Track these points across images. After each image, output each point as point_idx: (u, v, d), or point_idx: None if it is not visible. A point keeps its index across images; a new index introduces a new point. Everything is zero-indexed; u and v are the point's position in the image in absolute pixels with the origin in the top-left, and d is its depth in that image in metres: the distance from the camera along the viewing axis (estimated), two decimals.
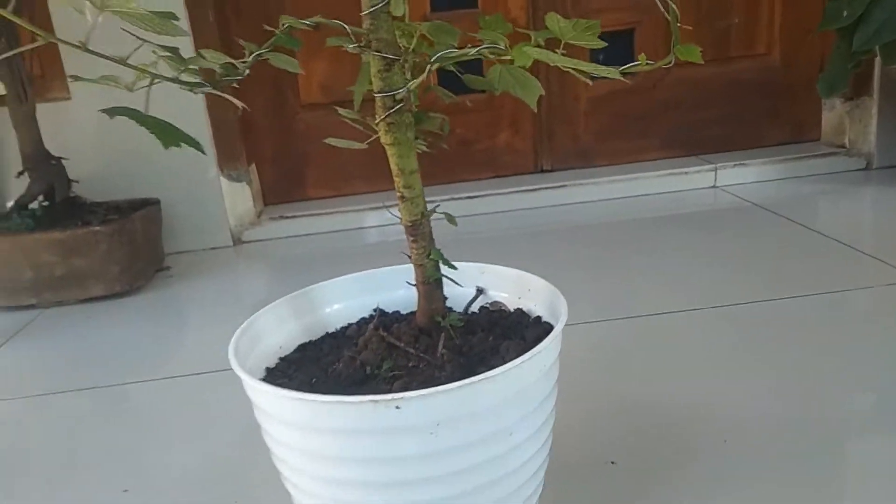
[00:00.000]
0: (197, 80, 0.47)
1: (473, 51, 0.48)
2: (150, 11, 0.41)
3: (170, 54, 0.47)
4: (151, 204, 1.52)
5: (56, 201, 1.43)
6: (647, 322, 1.09)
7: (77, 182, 1.47)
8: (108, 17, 0.42)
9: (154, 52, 0.47)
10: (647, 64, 0.42)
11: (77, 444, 0.92)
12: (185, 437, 0.90)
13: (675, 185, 1.82)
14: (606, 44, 0.52)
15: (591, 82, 0.41)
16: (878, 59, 1.72)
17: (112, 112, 0.41)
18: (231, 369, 0.54)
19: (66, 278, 1.38)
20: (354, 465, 0.49)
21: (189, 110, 1.58)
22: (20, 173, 1.44)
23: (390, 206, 0.61)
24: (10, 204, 1.53)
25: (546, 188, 1.82)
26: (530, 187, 1.82)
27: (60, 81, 1.63)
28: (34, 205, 1.44)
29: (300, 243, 1.72)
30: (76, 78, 0.43)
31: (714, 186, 1.82)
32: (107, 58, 0.46)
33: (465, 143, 1.89)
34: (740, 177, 1.81)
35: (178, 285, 1.50)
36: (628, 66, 0.42)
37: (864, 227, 1.45)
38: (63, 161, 1.45)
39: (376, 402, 0.47)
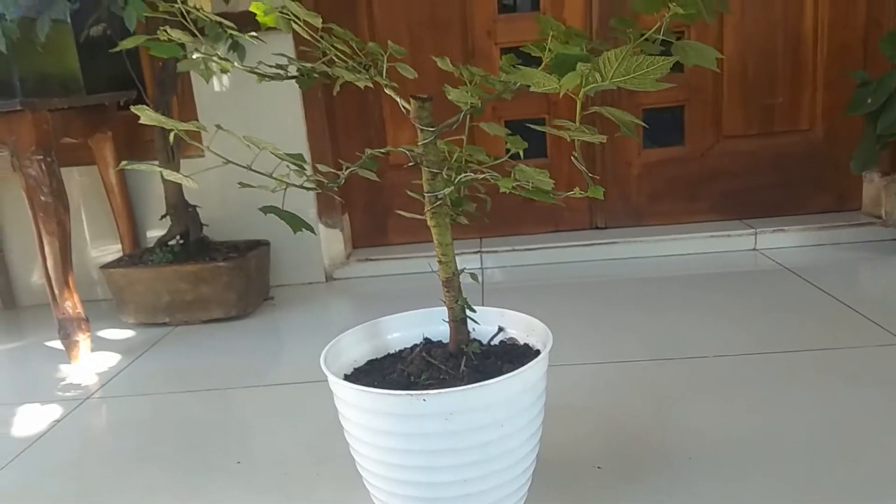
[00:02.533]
0: (312, 185, 0.76)
1: (482, 176, 0.74)
2: (287, 154, 0.70)
3: (297, 168, 0.76)
4: (263, 245, 1.86)
5: (190, 241, 1.78)
6: (657, 365, 1.30)
7: (207, 225, 1.83)
8: (234, 115, 0.71)
9: (288, 166, 0.76)
10: (580, 193, 0.67)
11: (200, 430, 1.23)
12: (282, 428, 1.19)
13: (718, 247, 2.01)
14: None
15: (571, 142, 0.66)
16: None
17: (266, 210, 0.70)
18: (318, 381, 0.81)
19: (195, 303, 1.72)
20: (396, 437, 0.76)
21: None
22: (163, 217, 1.81)
23: (435, 271, 0.86)
24: (151, 237, 1.91)
25: (599, 244, 2.05)
26: (584, 242, 2.06)
27: (197, 141, 2.01)
28: (173, 242, 1.80)
29: (382, 282, 2.02)
30: (243, 184, 0.72)
31: (754, 249, 2.00)
32: (252, 170, 0.75)
33: (528, 200, 2.14)
34: (778, 241, 1.99)
35: (279, 312, 1.82)
36: (565, 194, 0.68)
37: (878, 294, 1.61)
38: (197, 208, 1.81)
39: (411, 395, 0.73)
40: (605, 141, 0.59)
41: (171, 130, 0.70)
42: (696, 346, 1.36)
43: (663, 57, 0.52)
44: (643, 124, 0.65)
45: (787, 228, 2.00)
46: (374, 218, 2.19)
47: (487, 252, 2.04)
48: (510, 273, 1.99)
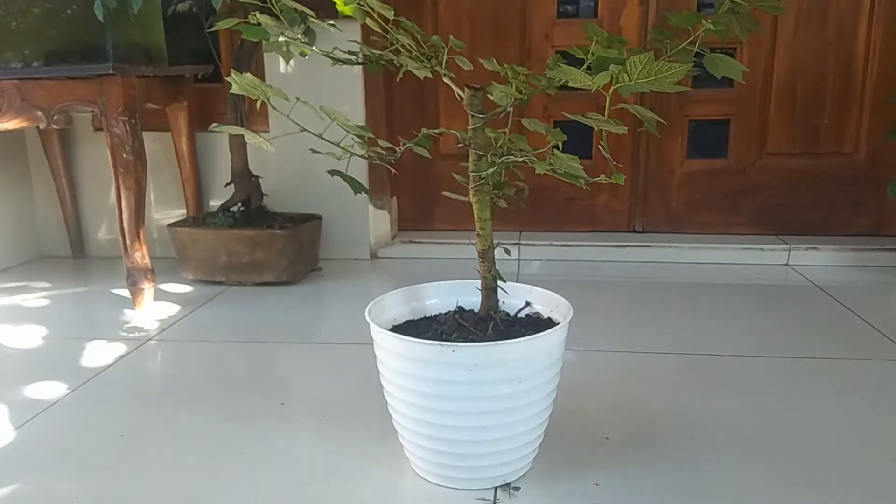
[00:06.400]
0: (373, 156, 0.87)
1: (521, 159, 0.84)
2: (357, 125, 0.81)
3: (360, 141, 0.87)
4: (316, 219, 1.99)
5: (251, 208, 1.92)
6: (675, 357, 1.38)
7: (267, 196, 1.96)
8: (299, 96, 0.82)
9: (353, 138, 0.87)
10: (604, 178, 0.76)
11: (247, 375, 1.35)
12: (322, 381, 1.31)
13: (751, 259, 2.06)
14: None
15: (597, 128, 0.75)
16: None
17: (332, 173, 0.81)
18: (358, 343, 0.92)
19: (249, 265, 1.86)
20: (426, 382, 0.86)
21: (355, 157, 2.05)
22: (228, 184, 1.95)
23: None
24: (212, 204, 2.06)
25: (635, 246, 2.12)
26: (621, 243, 2.13)
27: (263, 117, 2.14)
28: (234, 208, 1.94)
29: (423, 264, 2.13)
30: (314, 150, 0.83)
31: (787, 265, 2.05)
32: (324, 139, 0.86)
33: (570, 199, 2.23)
34: (811, 259, 2.03)
35: (326, 282, 1.95)
36: (592, 179, 0.77)
37: None
38: (259, 179, 1.95)
39: (442, 345, 0.83)
40: (626, 132, 0.68)
41: (244, 102, 0.82)
42: (716, 346, 1.44)
43: (679, 64, 0.61)
44: (662, 121, 0.73)
45: (820, 247, 2.04)
46: (420, 203, 2.30)
47: (526, 244, 2.13)
48: (546, 266, 2.08)
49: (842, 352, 1.40)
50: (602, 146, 0.71)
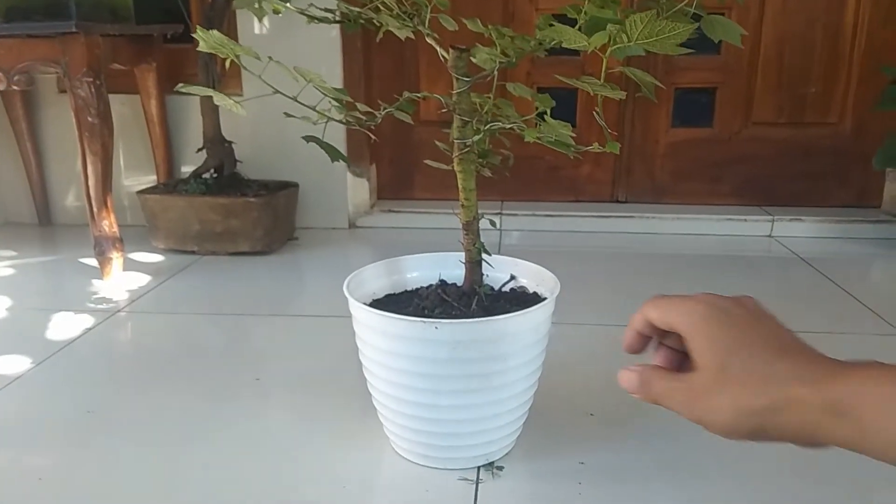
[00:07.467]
0: (351, 121, 0.81)
1: (509, 126, 0.79)
2: (334, 87, 0.76)
3: (338, 105, 0.81)
4: (292, 186, 1.93)
5: (224, 175, 1.85)
6: None
7: (241, 162, 1.90)
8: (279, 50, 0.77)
9: (330, 102, 0.82)
10: (598, 147, 0.72)
11: (220, 349, 1.31)
12: (299, 354, 1.27)
13: (734, 230, 2.04)
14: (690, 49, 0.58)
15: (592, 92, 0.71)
16: None
17: (307, 139, 0.76)
18: (335, 316, 0.88)
19: (223, 234, 1.80)
20: (407, 359, 0.82)
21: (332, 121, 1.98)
22: (199, 149, 1.88)
23: (457, 213, 0.92)
24: (184, 171, 1.99)
25: (617, 216, 2.09)
26: (603, 214, 2.10)
27: (237, 80, 2.06)
28: (207, 175, 1.87)
29: (403, 233, 2.08)
30: (288, 114, 0.78)
31: (769, 236, 2.03)
32: (298, 101, 0.81)
33: (553, 169, 2.19)
34: (795, 230, 2.02)
35: (303, 252, 1.89)
36: (585, 148, 0.73)
37: (884, 289, 1.65)
38: (232, 144, 1.88)
39: (424, 322, 0.79)
40: (624, 97, 0.64)
41: (216, 63, 0.76)
42: None
43: (685, 23, 0.57)
44: (661, 85, 0.69)
45: (804, 218, 2.03)
46: (400, 171, 2.24)
47: (507, 215, 2.09)
48: (528, 237, 2.04)
49: (825, 324, 1.39)
50: (597, 112, 0.66)
